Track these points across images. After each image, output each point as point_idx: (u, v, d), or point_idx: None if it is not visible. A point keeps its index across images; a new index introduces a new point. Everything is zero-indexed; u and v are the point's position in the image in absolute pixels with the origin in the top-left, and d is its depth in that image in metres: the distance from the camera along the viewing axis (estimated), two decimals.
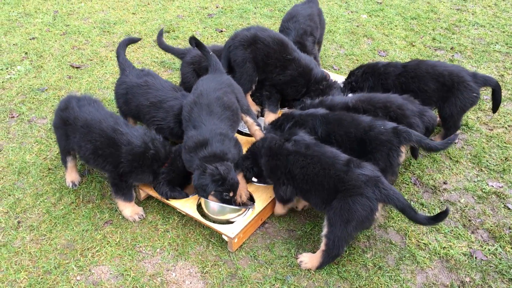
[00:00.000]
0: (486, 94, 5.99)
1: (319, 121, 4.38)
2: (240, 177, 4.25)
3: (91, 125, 4.19)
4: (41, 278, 3.81)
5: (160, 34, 5.67)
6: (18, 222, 4.32)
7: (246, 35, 5.14)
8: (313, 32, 5.97)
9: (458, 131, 5.17)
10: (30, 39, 7.49)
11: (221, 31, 7.75)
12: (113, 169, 4.16)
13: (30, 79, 6.48)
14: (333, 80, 5.36)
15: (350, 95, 5.12)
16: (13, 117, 5.73)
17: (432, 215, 3.85)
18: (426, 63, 5.13)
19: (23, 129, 5.52)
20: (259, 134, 4.73)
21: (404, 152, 4.12)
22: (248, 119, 4.77)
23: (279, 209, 4.27)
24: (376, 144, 4.09)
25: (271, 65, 5.14)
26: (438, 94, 4.92)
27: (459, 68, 5.02)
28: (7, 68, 6.69)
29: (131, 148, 4.11)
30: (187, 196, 4.33)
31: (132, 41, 5.56)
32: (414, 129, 4.36)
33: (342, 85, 5.45)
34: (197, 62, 5.40)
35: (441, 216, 3.58)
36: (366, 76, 5.28)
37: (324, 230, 3.72)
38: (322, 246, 3.74)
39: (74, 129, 4.27)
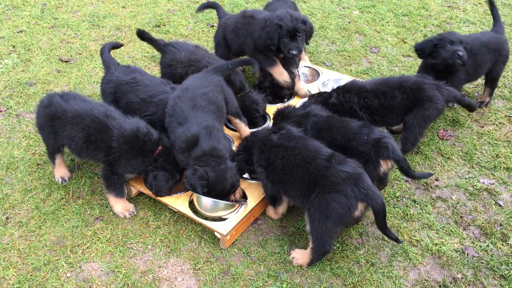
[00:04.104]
0: (476, 91, 6.02)
1: (310, 125, 4.32)
2: None
3: (82, 114, 4.15)
4: (30, 275, 3.76)
5: None
6: (7, 218, 4.25)
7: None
8: None
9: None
10: (18, 32, 7.36)
11: (212, 26, 7.68)
12: (105, 157, 4.10)
13: (18, 72, 6.36)
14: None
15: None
16: (1, 111, 5.62)
17: (398, 237, 3.97)
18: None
19: (11, 123, 5.43)
20: None
21: (383, 166, 4.01)
22: (238, 121, 4.74)
23: (271, 212, 4.26)
24: (355, 154, 4.01)
25: None
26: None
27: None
28: None
29: (122, 131, 4.06)
30: (170, 190, 4.24)
31: (116, 46, 5.43)
32: (435, 102, 4.54)
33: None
34: (174, 66, 5.19)
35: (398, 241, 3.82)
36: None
37: (307, 227, 3.71)
38: (310, 244, 3.74)
39: (63, 123, 4.21)
